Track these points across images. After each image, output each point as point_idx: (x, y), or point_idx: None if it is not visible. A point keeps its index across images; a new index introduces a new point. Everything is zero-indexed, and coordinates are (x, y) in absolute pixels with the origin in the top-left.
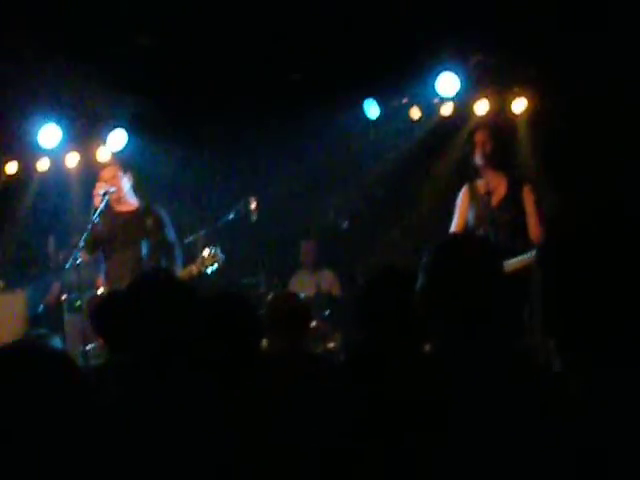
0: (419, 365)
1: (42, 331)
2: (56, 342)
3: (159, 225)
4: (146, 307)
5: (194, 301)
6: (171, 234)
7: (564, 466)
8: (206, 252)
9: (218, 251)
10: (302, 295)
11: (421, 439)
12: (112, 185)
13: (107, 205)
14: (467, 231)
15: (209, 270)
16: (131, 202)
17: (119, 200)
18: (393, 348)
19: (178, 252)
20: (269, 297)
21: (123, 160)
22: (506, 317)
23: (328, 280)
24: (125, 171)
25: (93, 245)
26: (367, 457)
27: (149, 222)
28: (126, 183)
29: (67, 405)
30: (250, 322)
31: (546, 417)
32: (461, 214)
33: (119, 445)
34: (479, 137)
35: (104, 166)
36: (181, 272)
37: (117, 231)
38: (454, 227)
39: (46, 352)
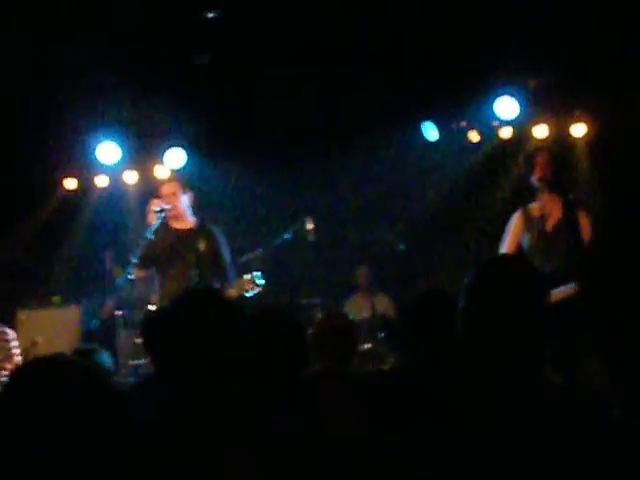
0: (449, 385)
1: (92, 346)
2: (105, 357)
3: (213, 245)
4: (189, 324)
5: (240, 319)
6: (225, 255)
7: None
8: (246, 277)
9: (258, 277)
10: (352, 316)
11: (449, 463)
12: (168, 202)
13: (163, 222)
14: (516, 254)
15: (248, 294)
16: (188, 220)
17: (176, 218)
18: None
19: (231, 273)
20: (318, 316)
21: (183, 178)
22: (546, 344)
23: (383, 303)
24: (185, 189)
25: (147, 261)
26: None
27: (203, 241)
28: (185, 201)
29: (92, 421)
30: (296, 340)
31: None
32: (511, 238)
33: (155, 463)
34: (539, 159)
35: (165, 182)
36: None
37: (171, 248)
38: (503, 251)
39: (77, 367)
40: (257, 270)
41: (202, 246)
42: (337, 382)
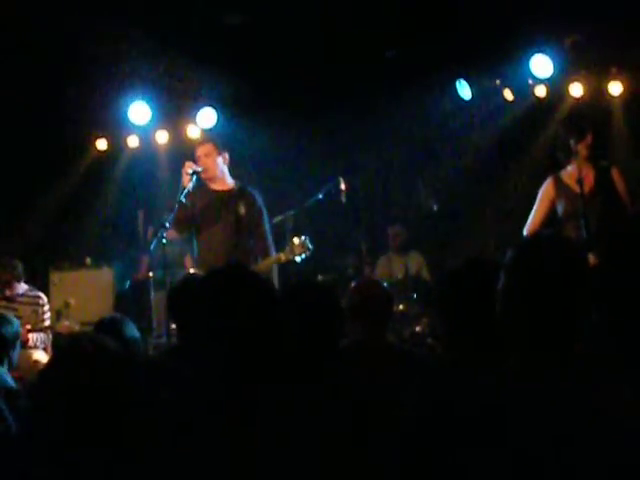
0: (497, 374)
1: (117, 315)
2: (130, 327)
3: (254, 210)
4: (217, 304)
5: (272, 298)
6: (265, 221)
7: None
8: (296, 240)
9: (307, 241)
10: (385, 283)
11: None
12: (203, 164)
13: (198, 184)
14: (554, 225)
15: (298, 259)
16: (227, 182)
17: (213, 179)
18: (472, 351)
19: (270, 240)
20: (351, 285)
21: (218, 139)
22: (589, 321)
23: (416, 263)
24: (220, 150)
25: (180, 224)
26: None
27: (243, 204)
28: (220, 163)
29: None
30: (332, 315)
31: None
32: (543, 205)
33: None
34: (589, 128)
35: (199, 143)
36: (269, 259)
37: (210, 210)
38: (532, 220)
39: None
40: (292, 231)
41: (242, 209)
42: (371, 352)
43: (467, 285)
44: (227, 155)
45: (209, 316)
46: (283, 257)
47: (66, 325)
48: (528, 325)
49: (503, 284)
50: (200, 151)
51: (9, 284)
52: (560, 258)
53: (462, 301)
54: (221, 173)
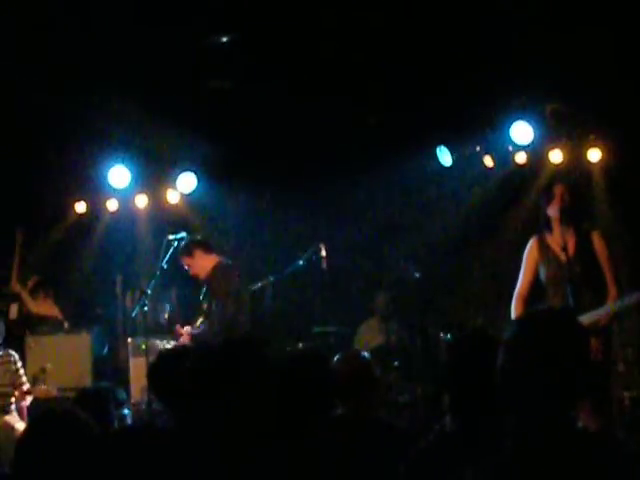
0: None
1: (105, 384)
2: (121, 393)
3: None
4: (210, 380)
5: (264, 369)
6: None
7: None
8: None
9: None
10: (366, 354)
11: None
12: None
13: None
14: (541, 290)
15: None
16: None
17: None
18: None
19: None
20: (334, 360)
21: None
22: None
23: (398, 330)
24: (188, 254)
25: None
26: None
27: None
28: (196, 262)
29: None
30: (325, 387)
31: None
32: (529, 268)
33: None
34: (558, 190)
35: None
36: None
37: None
38: (520, 284)
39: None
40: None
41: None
42: (355, 428)
43: (470, 358)
44: (196, 250)
45: (200, 394)
46: None
47: (44, 389)
48: (526, 402)
49: (503, 362)
50: (186, 265)
51: None
52: (559, 338)
53: (466, 373)
54: (202, 269)
